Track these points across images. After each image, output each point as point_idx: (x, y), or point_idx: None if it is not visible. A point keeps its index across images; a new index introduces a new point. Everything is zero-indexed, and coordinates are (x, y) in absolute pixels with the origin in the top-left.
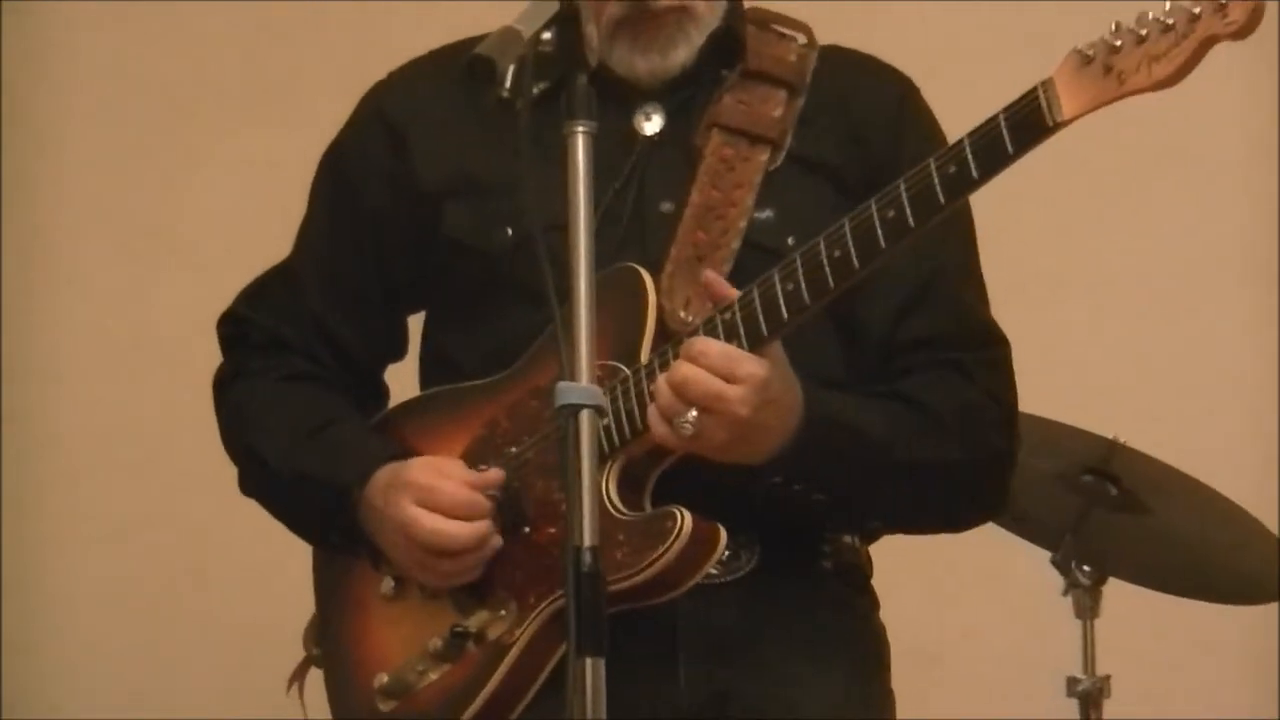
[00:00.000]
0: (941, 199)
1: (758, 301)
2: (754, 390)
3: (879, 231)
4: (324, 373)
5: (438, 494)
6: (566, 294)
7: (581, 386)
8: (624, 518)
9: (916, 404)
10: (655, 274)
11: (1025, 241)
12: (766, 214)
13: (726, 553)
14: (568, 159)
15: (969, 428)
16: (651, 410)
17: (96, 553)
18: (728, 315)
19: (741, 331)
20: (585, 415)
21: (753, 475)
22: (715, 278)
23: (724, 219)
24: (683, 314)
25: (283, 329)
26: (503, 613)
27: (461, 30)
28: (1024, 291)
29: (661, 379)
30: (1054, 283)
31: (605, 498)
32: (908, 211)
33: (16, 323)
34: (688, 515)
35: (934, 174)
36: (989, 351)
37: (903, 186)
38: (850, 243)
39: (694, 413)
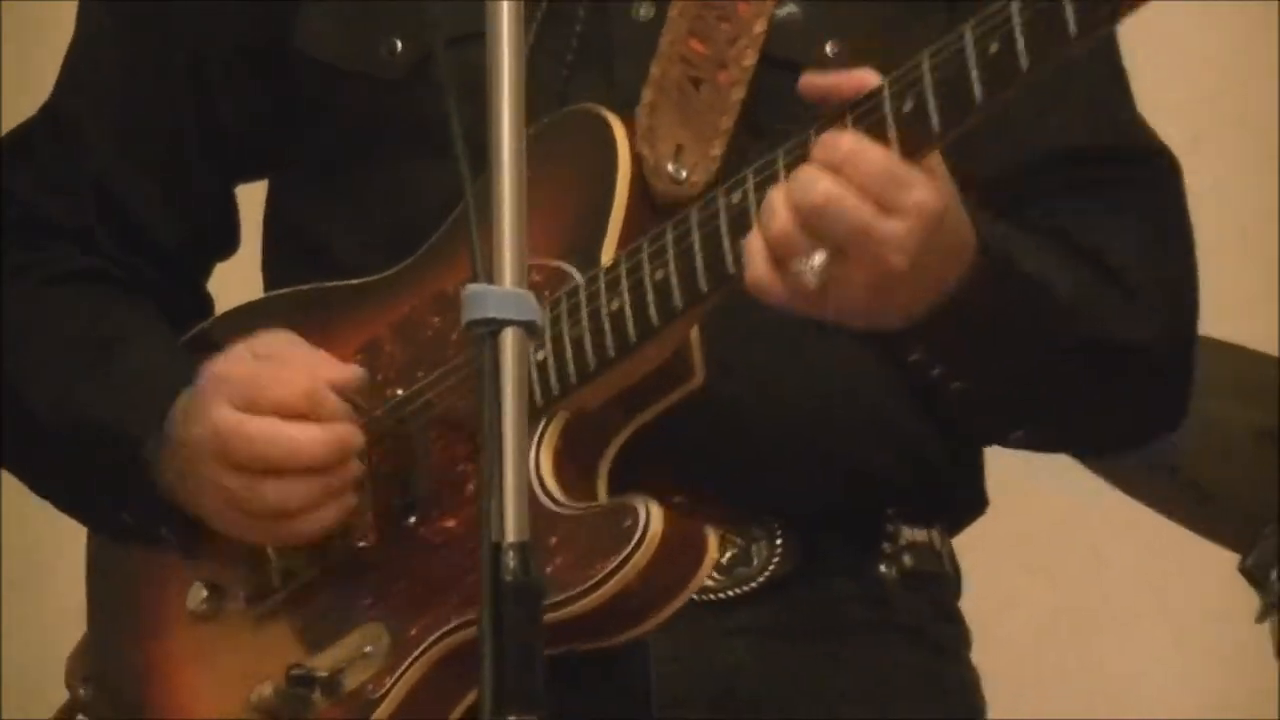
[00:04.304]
0: (1071, 24)
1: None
2: (922, 229)
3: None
4: (112, 269)
5: (267, 384)
6: (483, 146)
7: (503, 290)
8: (562, 511)
9: (1088, 255)
10: (628, 112)
11: None
12: (788, 9)
13: (731, 551)
14: None
15: (1159, 295)
16: (753, 242)
17: None
18: (873, 111)
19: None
20: (509, 336)
21: (881, 353)
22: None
23: (731, 20)
24: (671, 167)
25: (49, 204)
26: (369, 649)
27: None
28: None
29: (779, 194)
30: None
31: (535, 479)
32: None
33: None
34: (655, 508)
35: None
36: (1154, 165)
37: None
38: (930, 91)
39: (822, 255)
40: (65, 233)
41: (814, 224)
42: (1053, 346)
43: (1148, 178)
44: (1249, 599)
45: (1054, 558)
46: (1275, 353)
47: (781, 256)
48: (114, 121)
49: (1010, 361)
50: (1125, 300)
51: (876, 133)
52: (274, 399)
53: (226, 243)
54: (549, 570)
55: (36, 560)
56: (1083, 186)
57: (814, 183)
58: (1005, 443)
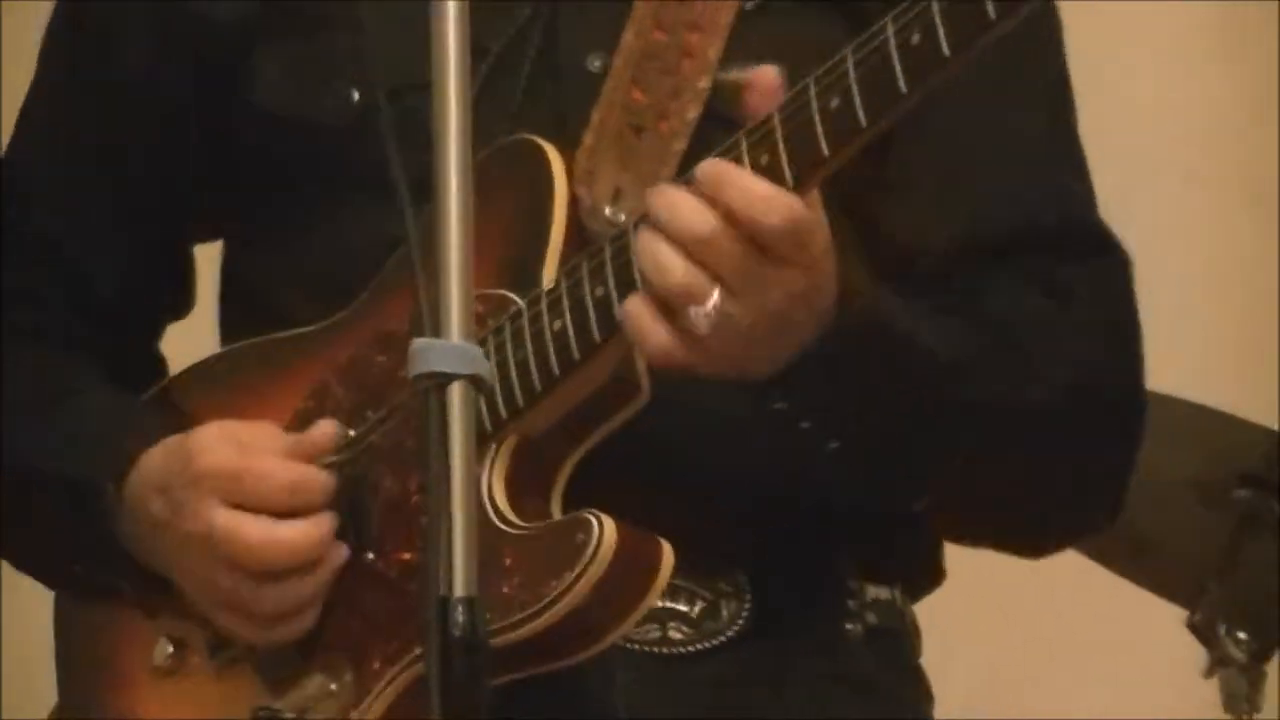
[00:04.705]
0: (991, 12)
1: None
2: (812, 260)
3: (896, 66)
4: (59, 331)
5: (250, 479)
6: (429, 189)
7: (450, 344)
8: (515, 532)
9: (995, 323)
10: (569, 150)
11: None
12: (737, 75)
13: (700, 605)
14: None
15: (1071, 369)
16: (636, 306)
17: None
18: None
19: None
20: (456, 390)
21: (748, 399)
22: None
23: (674, 74)
24: (609, 210)
25: None
26: (333, 686)
27: None
28: None
29: (659, 241)
30: None
31: (487, 501)
32: (940, 34)
33: None
34: (608, 521)
35: None
36: (1099, 261)
37: None
38: (854, 86)
39: (717, 295)
40: (11, 293)
41: (705, 257)
42: (935, 410)
43: (1098, 271)
44: (1195, 653)
45: (1006, 608)
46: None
47: (675, 298)
48: (62, 177)
49: (887, 421)
50: (1023, 365)
51: (771, 160)
52: (261, 495)
53: (180, 302)
54: (505, 590)
55: None
56: (1020, 275)
57: (696, 214)
58: (899, 530)
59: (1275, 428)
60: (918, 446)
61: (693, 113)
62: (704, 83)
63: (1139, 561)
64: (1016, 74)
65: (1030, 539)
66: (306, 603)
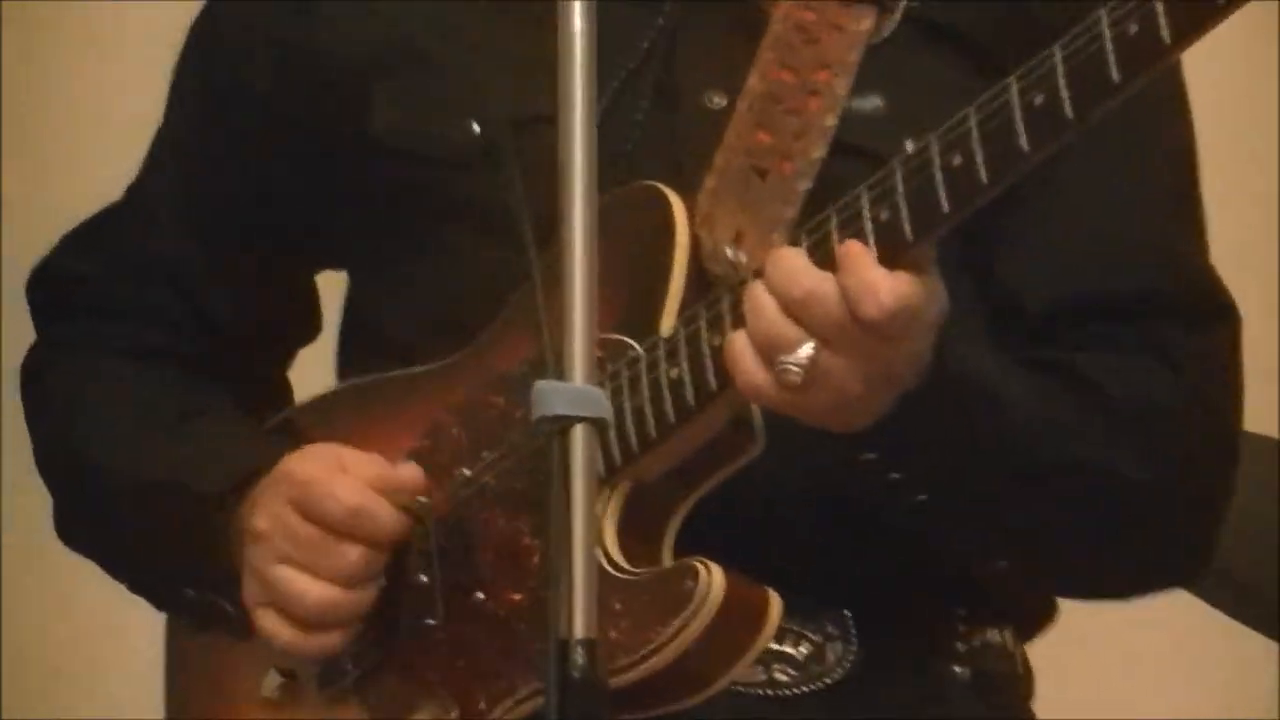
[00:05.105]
0: (1115, 75)
1: (835, 235)
2: (922, 332)
3: (1019, 126)
4: (187, 351)
5: (319, 491)
6: (549, 229)
7: (573, 387)
8: (624, 577)
9: (1086, 384)
10: (690, 194)
11: None
12: (873, 103)
13: (806, 647)
14: (558, 21)
15: (1164, 434)
16: (738, 341)
17: None
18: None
19: None
20: (579, 433)
21: (836, 453)
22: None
23: (800, 114)
24: (730, 253)
25: (121, 286)
26: None
27: None
28: None
29: (761, 291)
30: None
31: (598, 549)
32: (1064, 95)
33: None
34: (716, 569)
35: (1106, 34)
36: (1209, 328)
37: (1058, 56)
38: (977, 143)
39: (811, 345)
40: (137, 313)
41: (803, 314)
42: (1020, 466)
43: (1206, 339)
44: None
45: (1122, 658)
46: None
47: (770, 350)
48: (190, 206)
49: (972, 476)
50: (1111, 430)
51: (891, 217)
52: (324, 511)
53: (305, 330)
54: (613, 635)
55: (38, 559)
56: (1123, 337)
57: (801, 275)
58: (992, 571)
59: None
60: (1002, 504)
61: (818, 152)
62: (830, 120)
63: (1241, 600)
64: (1140, 133)
65: (1110, 591)
66: (324, 614)
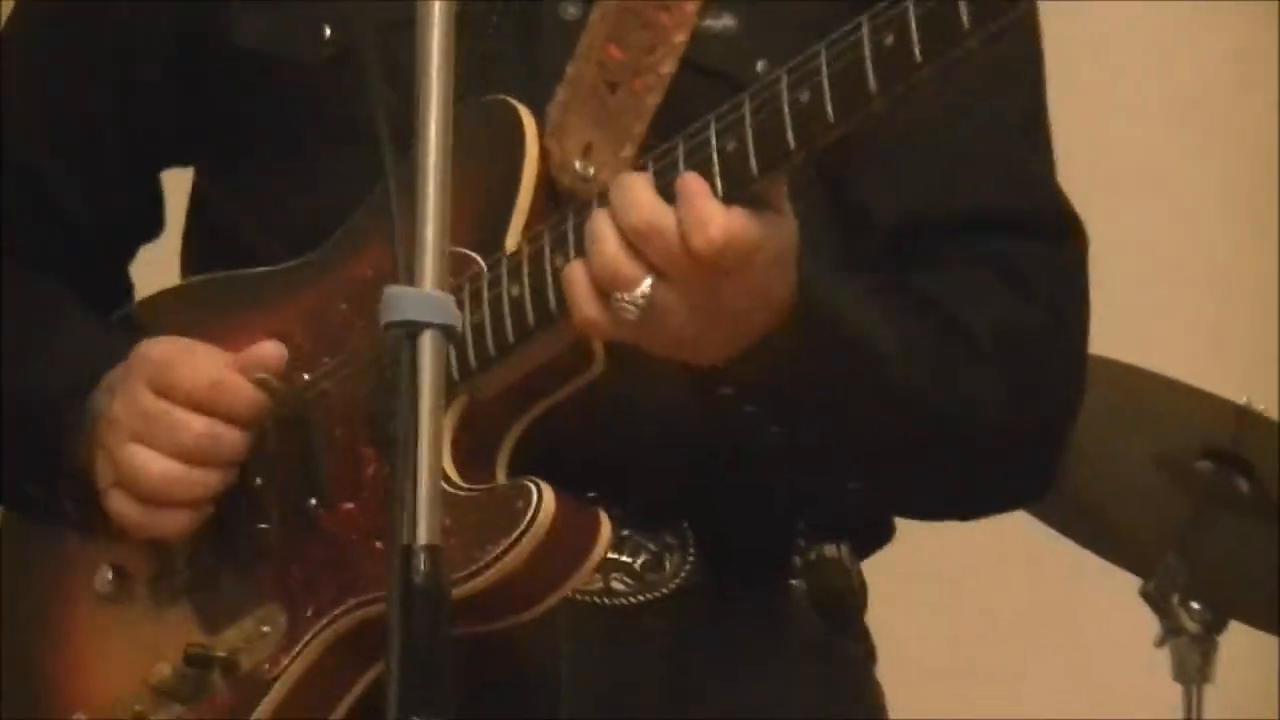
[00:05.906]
0: (966, 21)
1: (681, 164)
2: (765, 265)
3: (868, 67)
4: (33, 252)
5: (180, 369)
6: (405, 136)
7: (424, 293)
8: (457, 494)
9: (941, 312)
10: (541, 107)
11: None
12: (724, 22)
13: (644, 556)
14: None
15: (1016, 357)
16: (575, 273)
17: None
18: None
19: None
20: (428, 339)
21: (694, 385)
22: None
23: (652, 29)
24: (579, 165)
25: None
26: (266, 630)
27: None
28: None
29: (603, 221)
30: None
31: None
32: (914, 38)
33: None
34: (548, 491)
35: None
36: (1058, 245)
37: None
38: (826, 80)
39: (648, 283)
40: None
41: (643, 246)
42: (878, 400)
43: (1049, 248)
44: (1148, 621)
45: (959, 575)
46: (1276, 357)
47: (607, 285)
48: (38, 109)
49: (828, 412)
50: (973, 363)
51: (737, 148)
52: (185, 388)
53: (149, 227)
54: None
55: None
56: (974, 253)
57: (637, 208)
58: (845, 493)
59: (1239, 401)
60: (856, 433)
61: (668, 67)
62: (681, 37)
63: (1098, 531)
64: (992, 58)
65: (959, 513)
66: (190, 494)
